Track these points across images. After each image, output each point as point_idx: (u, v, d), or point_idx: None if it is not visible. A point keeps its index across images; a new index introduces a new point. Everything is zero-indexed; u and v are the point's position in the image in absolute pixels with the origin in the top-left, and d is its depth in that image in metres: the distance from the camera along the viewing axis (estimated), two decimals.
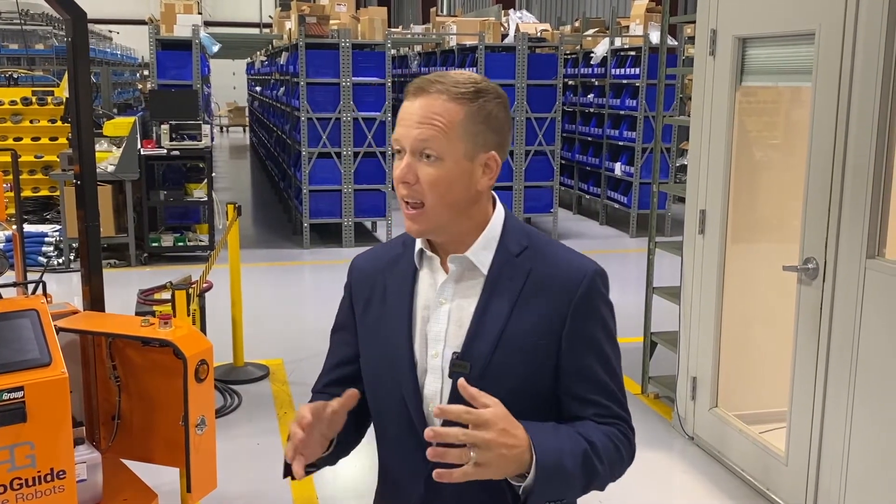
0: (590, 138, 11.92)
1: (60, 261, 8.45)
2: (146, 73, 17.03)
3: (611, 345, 1.61)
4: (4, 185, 3.25)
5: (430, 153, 1.49)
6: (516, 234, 1.61)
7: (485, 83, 1.54)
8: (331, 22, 9.84)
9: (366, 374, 1.69)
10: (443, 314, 1.59)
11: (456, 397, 1.47)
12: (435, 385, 1.58)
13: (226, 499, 3.83)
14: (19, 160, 4.27)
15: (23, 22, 15.08)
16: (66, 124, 9.73)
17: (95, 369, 3.18)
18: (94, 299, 3.37)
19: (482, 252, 1.58)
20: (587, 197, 12.19)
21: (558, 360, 1.56)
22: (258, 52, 17.95)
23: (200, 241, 9.10)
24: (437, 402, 1.57)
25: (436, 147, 1.49)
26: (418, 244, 1.63)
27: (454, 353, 1.55)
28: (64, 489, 2.67)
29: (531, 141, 10.27)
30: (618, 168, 10.98)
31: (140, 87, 18.05)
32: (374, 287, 1.68)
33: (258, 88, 17.86)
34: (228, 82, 27.88)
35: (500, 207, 1.63)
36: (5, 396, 2.53)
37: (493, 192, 1.62)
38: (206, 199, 9.04)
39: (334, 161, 9.70)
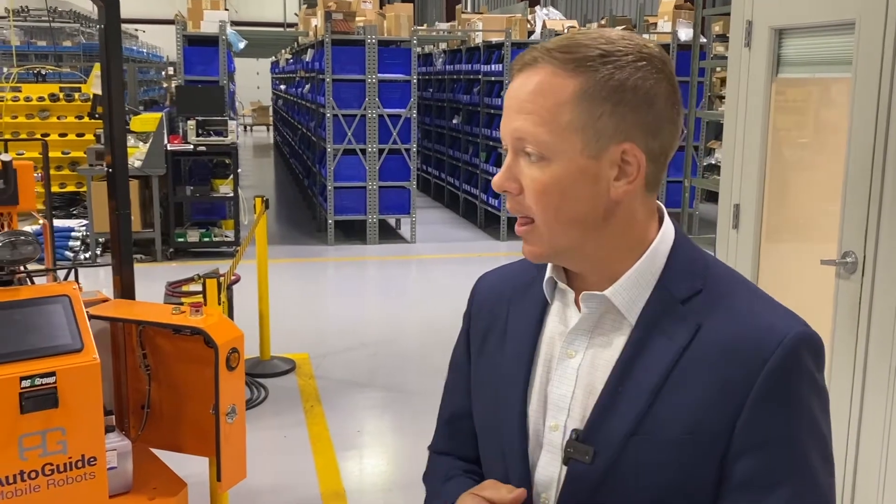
0: None
1: (87, 255, 8.50)
2: (171, 71, 17.12)
3: (820, 455, 1.07)
4: (35, 176, 3.25)
5: (530, 150, 1.08)
6: (688, 269, 1.13)
7: (623, 42, 1.07)
8: (357, 18, 9.84)
9: (477, 432, 1.30)
10: (569, 371, 1.15)
11: (570, 493, 1.11)
12: (551, 469, 1.15)
13: (253, 491, 3.81)
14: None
15: (51, 19, 15.22)
16: (92, 120, 9.79)
17: (126, 358, 3.17)
18: (125, 289, 3.37)
19: (631, 291, 1.12)
20: None
21: (723, 466, 1.06)
22: (283, 51, 18.01)
23: (226, 236, 9.12)
24: (552, 493, 1.14)
25: (535, 141, 1.07)
26: (548, 269, 1.20)
27: (574, 430, 1.12)
28: (95, 476, 2.66)
29: None
30: None
31: (166, 85, 18.20)
32: (496, 318, 1.27)
33: (283, 87, 17.92)
34: (252, 82, 28.10)
35: (668, 228, 1.15)
36: (37, 382, 2.53)
37: (659, 203, 1.17)
38: (231, 194, 9.06)
39: (359, 158, 9.69)
